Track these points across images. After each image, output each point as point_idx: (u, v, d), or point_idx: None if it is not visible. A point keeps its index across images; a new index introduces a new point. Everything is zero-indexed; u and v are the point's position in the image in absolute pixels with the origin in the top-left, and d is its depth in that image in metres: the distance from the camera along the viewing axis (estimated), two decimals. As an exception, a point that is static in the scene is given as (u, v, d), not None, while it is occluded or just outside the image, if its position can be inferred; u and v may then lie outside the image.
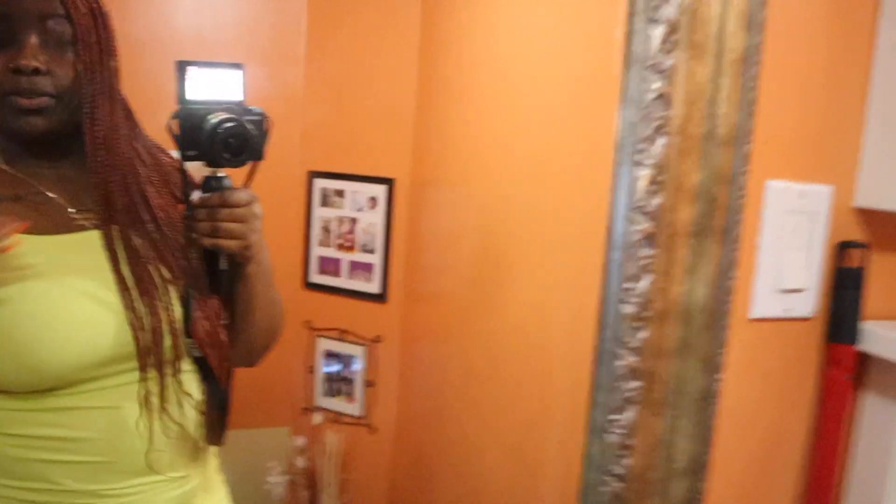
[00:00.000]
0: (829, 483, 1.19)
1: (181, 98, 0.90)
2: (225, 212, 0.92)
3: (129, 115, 1.01)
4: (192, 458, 0.98)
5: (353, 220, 2.50)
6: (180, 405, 0.94)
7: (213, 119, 0.88)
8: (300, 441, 2.57)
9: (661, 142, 0.86)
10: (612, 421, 0.90)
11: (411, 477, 2.48)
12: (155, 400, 0.92)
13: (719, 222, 0.90)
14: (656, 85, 0.85)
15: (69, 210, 0.95)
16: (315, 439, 2.59)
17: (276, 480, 2.52)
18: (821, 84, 1.12)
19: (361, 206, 2.48)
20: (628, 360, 0.90)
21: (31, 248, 0.87)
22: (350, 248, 2.52)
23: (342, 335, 2.58)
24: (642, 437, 0.90)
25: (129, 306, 0.90)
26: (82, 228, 0.94)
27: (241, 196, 0.93)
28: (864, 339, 1.18)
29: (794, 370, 1.18)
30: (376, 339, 2.52)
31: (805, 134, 1.09)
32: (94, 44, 0.91)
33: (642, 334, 0.89)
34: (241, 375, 1.11)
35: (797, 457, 1.22)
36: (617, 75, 0.85)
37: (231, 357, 1.04)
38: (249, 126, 0.89)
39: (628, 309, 0.89)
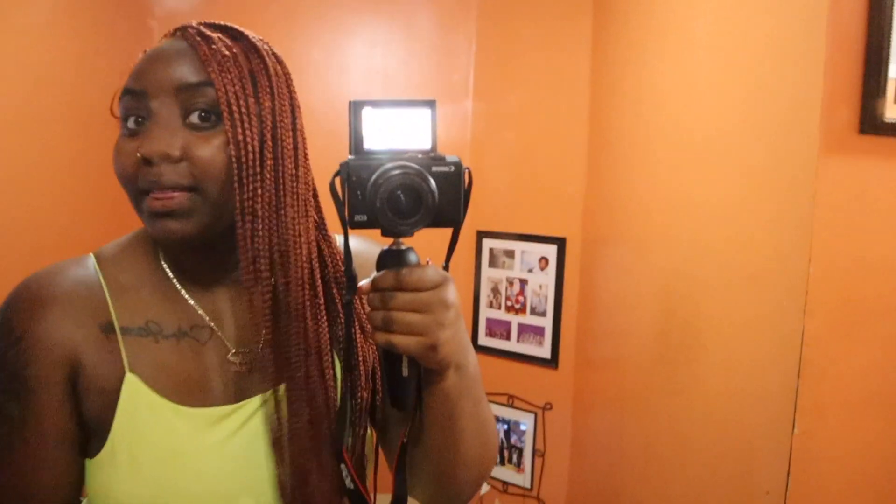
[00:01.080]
0: None
1: (355, 147, 0.66)
2: (402, 297, 0.65)
3: (309, 210, 0.78)
4: None
5: (524, 282, 2.37)
6: None
7: (382, 169, 0.64)
8: None
9: None
10: None
11: (583, 558, 2.26)
12: None
13: None
14: None
15: (230, 353, 0.78)
16: None
17: (442, 551, 2.33)
18: None
19: (532, 267, 2.36)
20: None
21: (179, 423, 0.73)
22: (520, 311, 2.39)
23: (511, 401, 2.44)
24: None
25: None
26: (236, 392, 0.77)
27: (424, 276, 0.65)
28: None
29: None
30: (547, 407, 2.38)
31: None
32: (248, 115, 0.71)
33: None
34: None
35: None
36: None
37: (426, 496, 0.81)
38: (431, 179, 0.64)
39: None
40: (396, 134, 0.66)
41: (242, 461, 0.74)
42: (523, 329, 2.37)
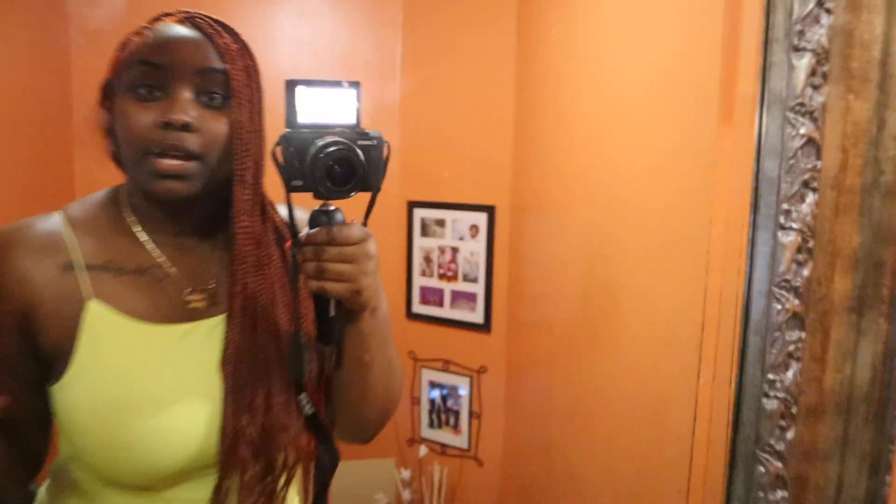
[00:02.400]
0: None
1: (290, 121, 0.79)
2: (333, 250, 0.79)
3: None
4: None
5: (455, 250, 2.47)
6: None
7: (319, 143, 0.77)
8: (406, 473, 2.57)
9: (810, 199, 0.68)
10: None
11: (519, 511, 2.44)
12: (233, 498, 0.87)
13: (887, 291, 0.70)
14: (803, 129, 0.67)
15: (184, 291, 0.90)
16: (421, 472, 2.58)
17: (383, 513, 2.45)
18: None
19: (463, 235, 2.46)
20: (773, 465, 0.72)
21: (142, 338, 0.85)
22: (453, 278, 2.49)
23: (446, 366, 2.55)
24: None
25: (228, 413, 0.85)
26: (191, 317, 0.89)
27: (351, 233, 0.80)
28: None
29: None
30: (481, 370, 2.49)
31: None
32: (247, 102, 0.85)
33: (790, 434, 0.71)
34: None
35: None
36: (751, 118, 0.68)
37: (338, 426, 0.95)
38: (360, 152, 0.78)
39: (772, 405, 0.71)
40: (325, 110, 0.79)
41: (198, 377, 0.86)
42: (456, 296, 2.47)
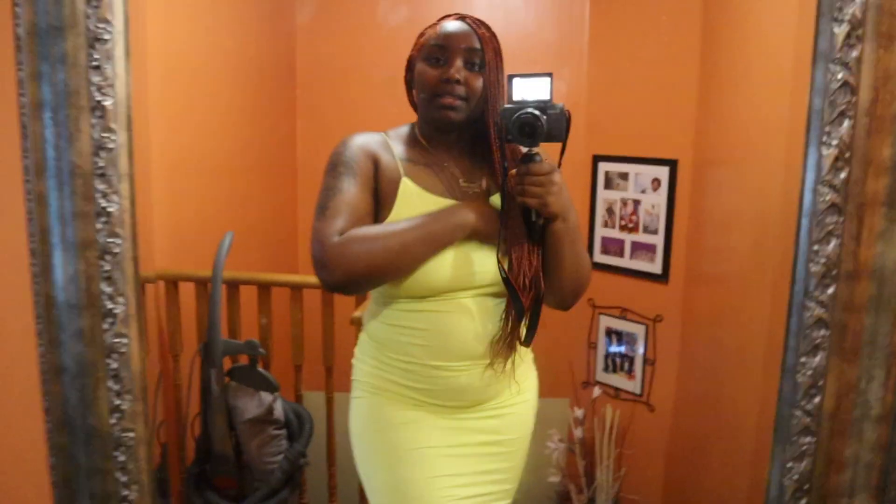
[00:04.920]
0: None
1: (509, 99, 1.34)
2: (530, 178, 1.31)
3: None
4: (503, 350, 1.45)
5: (637, 202, 2.75)
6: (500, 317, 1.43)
7: (517, 113, 1.29)
8: (579, 412, 2.87)
9: (846, 124, 1.04)
10: (803, 363, 1.10)
11: (687, 456, 2.66)
12: (482, 311, 1.43)
13: (914, 193, 1.04)
14: (840, 75, 1.03)
15: (460, 180, 1.49)
16: (593, 413, 2.88)
17: (555, 447, 2.85)
18: None
19: (645, 188, 2.71)
20: (816, 311, 1.08)
21: (429, 203, 1.42)
22: (633, 229, 2.77)
23: (624, 313, 2.84)
24: (833, 381, 1.09)
25: (502, 247, 1.40)
26: (461, 196, 1.46)
27: (541, 167, 1.31)
28: None
29: None
30: (657, 319, 2.75)
31: None
32: (494, 70, 1.42)
33: (831, 290, 1.07)
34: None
35: None
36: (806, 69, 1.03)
37: (545, 295, 1.44)
38: (543, 117, 1.28)
39: (815, 268, 1.07)
40: (530, 90, 1.32)
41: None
42: (636, 246, 2.75)
